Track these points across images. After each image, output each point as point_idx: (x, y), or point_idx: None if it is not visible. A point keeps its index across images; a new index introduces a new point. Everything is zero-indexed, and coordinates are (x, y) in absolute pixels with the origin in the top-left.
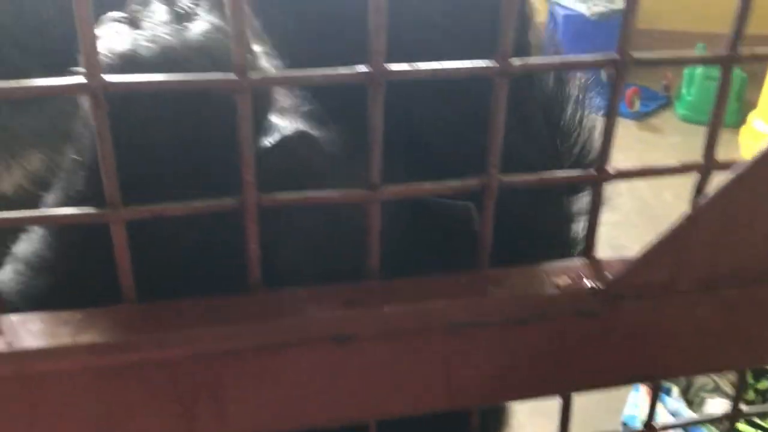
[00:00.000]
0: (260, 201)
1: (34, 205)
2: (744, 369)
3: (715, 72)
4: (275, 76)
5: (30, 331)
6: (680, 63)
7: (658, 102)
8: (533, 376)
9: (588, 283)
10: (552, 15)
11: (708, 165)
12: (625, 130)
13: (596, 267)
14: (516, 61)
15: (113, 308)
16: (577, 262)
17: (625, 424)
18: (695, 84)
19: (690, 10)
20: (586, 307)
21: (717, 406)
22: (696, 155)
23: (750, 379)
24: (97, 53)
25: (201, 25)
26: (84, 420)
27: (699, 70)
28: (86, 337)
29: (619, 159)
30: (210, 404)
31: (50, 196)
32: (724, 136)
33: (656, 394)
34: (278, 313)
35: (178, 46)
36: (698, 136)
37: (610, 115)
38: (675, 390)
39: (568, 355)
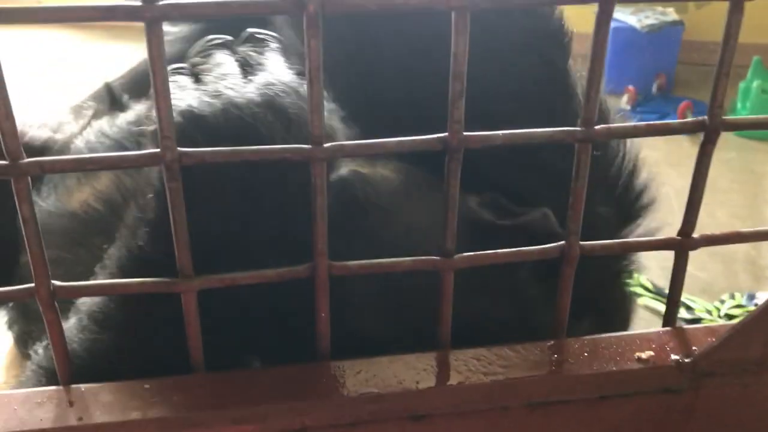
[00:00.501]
0: (332, 269)
1: (97, 224)
2: None
3: (763, 84)
4: (350, 144)
5: (100, 404)
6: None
7: None
8: None
9: (673, 357)
10: None
11: None
12: (677, 145)
13: (682, 339)
14: (601, 130)
15: (183, 379)
16: (661, 333)
17: None
18: (750, 98)
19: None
20: (671, 383)
21: None
22: (751, 172)
23: None
24: (173, 126)
25: (265, 77)
26: None
27: (755, 83)
28: (156, 412)
29: (672, 175)
30: None
31: (113, 250)
32: None
33: None
34: (351, 386)
35: (241, 102)
36: (753, 151)
37: (698, 182)
38: None
39: (651, 431)
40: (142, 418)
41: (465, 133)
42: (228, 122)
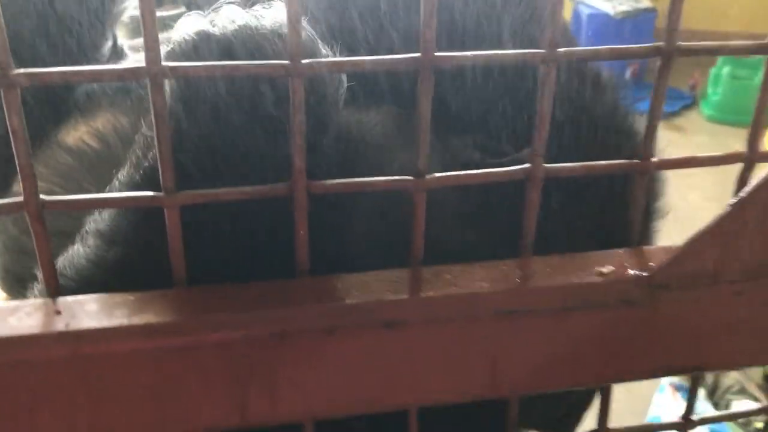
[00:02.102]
0: (310, 187)
1: (90, 160)
2: None
3: (742, 71)
4: (327, 61)
5: (87, 312)
6: (725, 53)
7: (684, 102)
8: (576, 365)
9: (631, 271)
10: (576, 14)
11: (752, 155)
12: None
13: (640, 256)
14: (562, 49)
15: (166, 292)
16: (621, 252)
17: None
18: (721, 84)
19: (715, 10)
20: (629, 295)
21: (743, 408)
22: None
23: None
24: (157, 39)
25: (272, 14)
26: (137, 400)
27: (725, 69)
28: (141, 319)
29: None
30: (262, 387)
31: (123, 171)
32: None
33: (695, 387)
34: (329, 297)
35: (255, 25)
36: (724, 136)
37: (655, 106)
38: (701, 392)
39: (611, 344)
40: (128, 323)
41: (436, 54)
42: (241, 40)
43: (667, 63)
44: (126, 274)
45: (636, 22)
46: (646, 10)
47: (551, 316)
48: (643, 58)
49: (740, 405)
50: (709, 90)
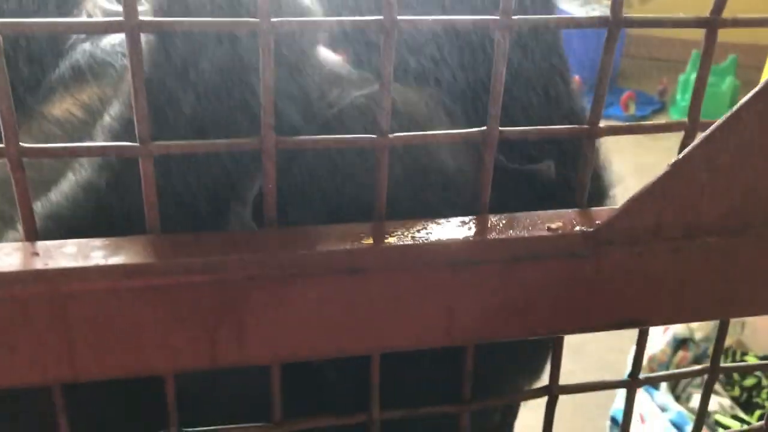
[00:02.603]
0: (278, 143)
1: (76, 130)
2: (725, 319)
3: (710, 78)
4: (295, 20)
5: (64, 254)
6: (665, 26)
7: (653, 106)
8: (528, 315)
9: (578, 227)
10: None
11: (693, 124)
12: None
13: (587, 215)
14: (516, 17)
15: (141, 237)
16: (569, 211)
17: (613, 419)
18: (689, 90)
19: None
20: (575, 249)
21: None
22: None
23: (736, 377)
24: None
25: None
26: (113, 338)
27: (693, 76)
28: (117, 260)
29: (615, 161)
30: (231, 329)
31: (107, 115)
32: None
33: (643, 340)
34: (295, 245)
35: None
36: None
37: (602, 74)
38: (663, 385)
39: (560, 296)
40: (104, 264)
41: (398, 17)
42: None
43: (614, 34)
44: (101, 219)
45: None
46: None
47: (503, 267)
48: (591, 27)
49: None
50: (678, 96)
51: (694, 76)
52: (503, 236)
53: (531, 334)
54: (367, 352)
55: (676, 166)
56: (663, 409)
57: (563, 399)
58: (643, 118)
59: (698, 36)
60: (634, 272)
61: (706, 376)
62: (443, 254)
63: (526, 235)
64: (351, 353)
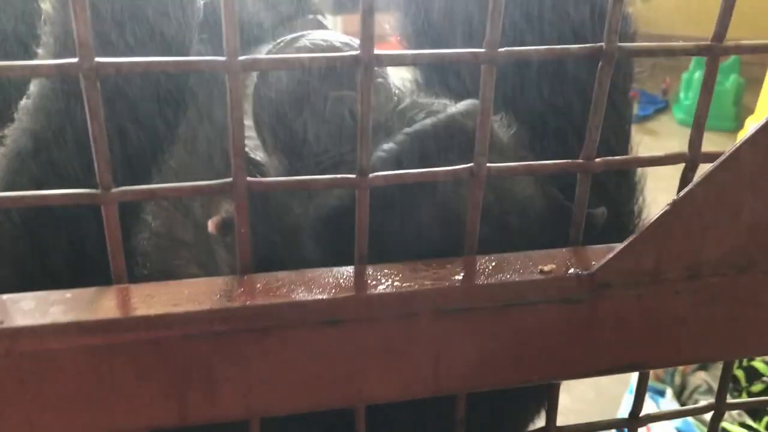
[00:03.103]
0: (250, 185)
1: None
2: (730, 360)
3: None
4: (265, 58)
5: (21, 310)
6: (666, 54)
7: (657, 106)
8: (519, 363)
9: (573, 270)
10: None
11: (694, 156)
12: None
13: (582, 255)
14: (503, 52)
15: (104, 289)
16: (563, 251)
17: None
18: (693, 88)
19: (687, 15)
20: (570, 293)
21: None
22: None
23: (743, 382)
24: (90, 34)
25: None
26: (74, 399)
27: (697, 74)
28: (76, 315)
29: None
30: (200, 385)
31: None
32: (721, 141)
33: (643, 385)
34: (268, 294)
35: None
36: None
37: (596, 107)
38: (669, 392)
39: (554, 342)
40: (63, 321)
41: (376, 51)
42: None
43: (608, 63)
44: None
45: None
46: None
47: (493, 314)
48: (582, 57)
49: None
50: (681, 94)
51: (697, 74)
52: (492, 281)
53: (523, 381)
54: (350, 404)
55: (676, 206)
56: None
57: (566, 410)
58: (647, 117)
59: (701, 33)
60: (633, 315)
61: (711, 384)
62: (428, 302)
63: (517, 279)
64: (332, 406)
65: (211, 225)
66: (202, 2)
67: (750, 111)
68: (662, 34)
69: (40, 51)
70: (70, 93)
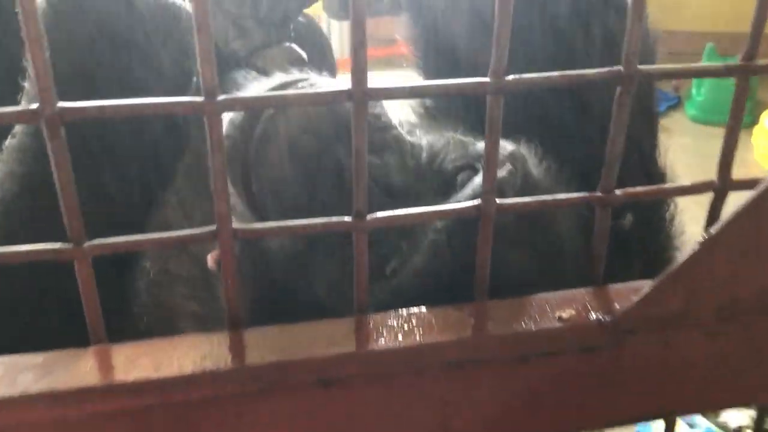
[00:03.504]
0: (236, 234)
1: None
2: (766, 404)
3: None
4: (245, 97)
5: None
6: (689, 75)
7: (668, 103)
8: (536, 417)
9: (594, 315)
10: None
11: (724, 185)
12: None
13: (604, 297)
14: (512, 81)
15: (78, 351)
16: (583, 292)
17: None
18: (705, 84)
19: (698, 9)
20: (592, 342)
21: (733, 416)
22: (706, 157)
23: None
24: (51, 80)
25: None
26: None
27: None
28: (48, 384)
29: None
30: None
31: None
32: None
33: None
34: (257, 355)
35: None
36: (708, 137)
37: (616, 134)
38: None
39: (573, 392)
40: (33, 391)
41: (369, 87)
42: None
43: (627, 89)
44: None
45: None
46: None
47: (506, 366)
48: (602, 81)
49: (730, 412)
50: (693, 91)
51: None
52: (506, 331)
53: None
54: None
55: (707, 244)
56: (691, 426)
57: None
58: (659, 114)
59: (712, 28)
60: (659, 361)
61: None
62: (436, 355)
63: (534, 328)
64: None
65: (210, 260)
66: None
67: (765, 105)
68: (674, 30)
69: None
70: None
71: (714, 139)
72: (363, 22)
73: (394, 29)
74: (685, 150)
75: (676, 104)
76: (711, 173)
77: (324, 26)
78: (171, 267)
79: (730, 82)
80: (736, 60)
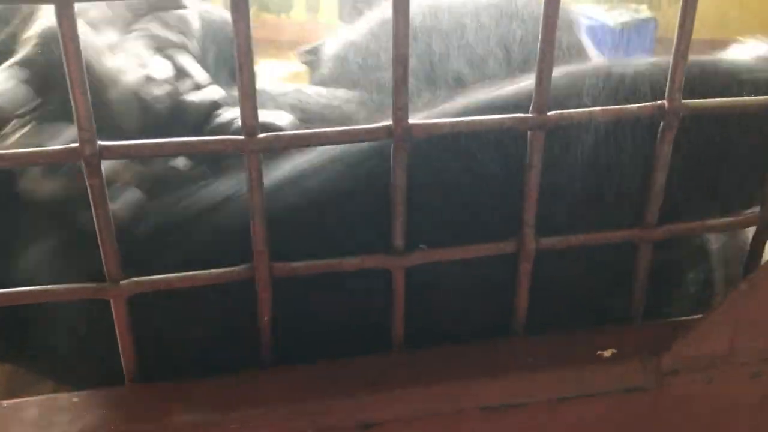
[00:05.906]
0: (273, 270)
1: None
2: None
3: None
4: (288, 135)
5: (22, 420)
6: (740, 111)
7: None
8: None
9: (636, 355)
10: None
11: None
12: None
13: (645, 335)
14: (554, 116)
15: (114, 390)
16: (624, 329)
17: None
18: None
19: (705, 18)
20: (634, 382)
21: None
22: None
23: None
24: (91, 118)
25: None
26: None
27: None
28: (85, 424)
29: None
30: None
31: None
32: None
33: None
34: (295, 396)
35: None
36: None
37: (659, 168)
38: None
39: None
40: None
41: (410, 121)
42: None
43: (671, 125)
44: None
45: (635, 31)
46: (645, 20)
47: (545, 408)
48: (643, 116)
49: None
50: None
51: None
52: (545, 372)
53: None
54: None
55: (751, 284)
56: None
57: None
58: None
59: (717, 35)
60: (702, 402)
61: None
62: (473, 398)
63: (572, 368)
64: None
65: None
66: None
67: None
68: (703, 39)
69: None
70: None
71: None
72: (406, 57)
73: None
74: None
75: None
76: None
77: None
78: None
79: None
80: None
